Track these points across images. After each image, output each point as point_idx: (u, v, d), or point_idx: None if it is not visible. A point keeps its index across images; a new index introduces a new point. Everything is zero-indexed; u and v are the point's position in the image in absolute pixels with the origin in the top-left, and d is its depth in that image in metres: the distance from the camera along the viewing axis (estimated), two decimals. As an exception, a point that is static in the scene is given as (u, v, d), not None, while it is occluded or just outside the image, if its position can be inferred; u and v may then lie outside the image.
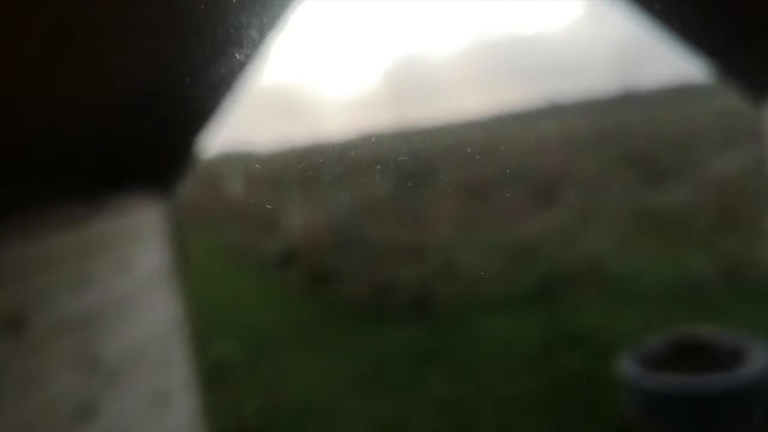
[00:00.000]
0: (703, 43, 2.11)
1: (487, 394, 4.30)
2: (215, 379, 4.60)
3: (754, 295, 5.17)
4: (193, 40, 1.87)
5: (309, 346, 5.54)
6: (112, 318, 2.33)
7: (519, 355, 4.83)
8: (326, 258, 6.94)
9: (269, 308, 6.60)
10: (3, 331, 1.75)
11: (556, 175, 7.50)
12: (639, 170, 7.46)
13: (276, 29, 1.70)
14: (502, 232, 7.11)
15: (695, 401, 3.23)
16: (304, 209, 7.76)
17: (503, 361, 4.78)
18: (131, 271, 2.51)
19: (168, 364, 2.74)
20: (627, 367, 3.45)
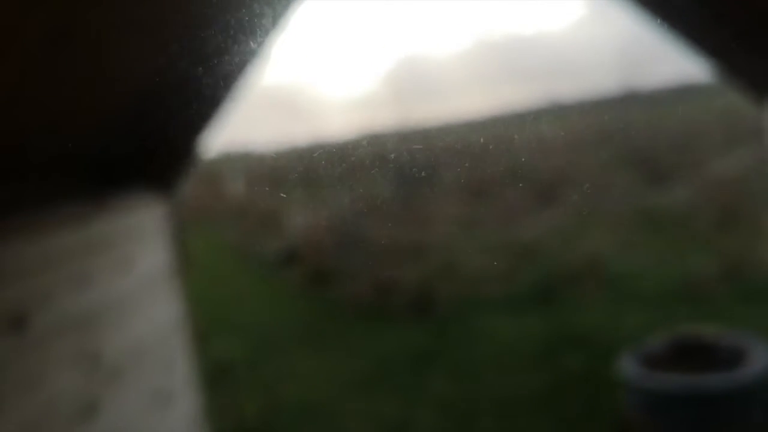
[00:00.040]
0: (705, 43, 2.10)
1: (488, 394, 4.30)
2: (216, 378, 4.61)
3: (756, 294, 5.16)
4: (194, 39, 1.87)
5: (310, 346, 5.54)
6: (113, 317, 2.33)
7: (520, 354, 4.83)
8: (327, 258, 6.94)
9: (270, 308, 6.61)
10: (4, 330, 1.75)
11: (558, 175, 7.49)
12: (641, 170, 7.45)
13: (277, 29, 1.70)
14: (503, 232, 7.11)
15: (696, 401, 3.23)
16: (305, 209, 7.76)
17: (504, 360, 4.78)
18: (132, 271, 2.51)
19: (169, 363, 2.74)
20: (628, 366, 3.45)
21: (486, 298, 5.92)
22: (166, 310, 2.78)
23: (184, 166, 2.77)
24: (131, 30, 1.71)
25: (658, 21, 2.06)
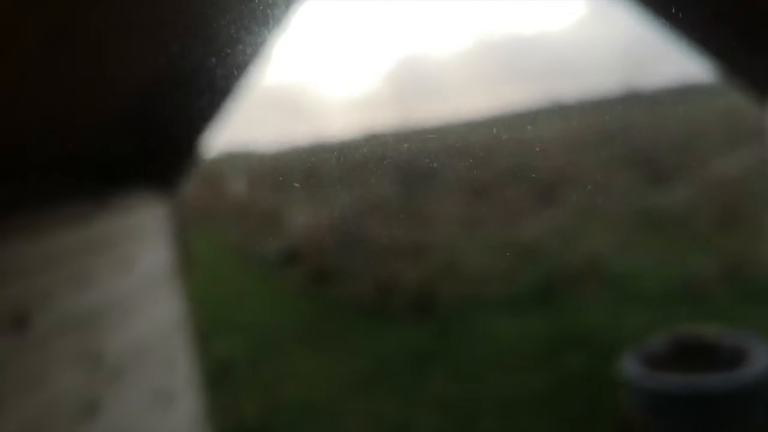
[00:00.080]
0: (707, 43, 2.10)
1: (489, 394, 4.30)
2: (217, 378, 4.61)
3: (757, 294, 5.16)
4: (195, 39, 1.87)
5: (311, 346, 5.54)
6: (114, 317, 2.33)
7: (521, 354, 4.83)
8: (328, 257, 6.95)
9: (271, 308, 6.61)
10: (5, 330, 1.75)
11: (559, 175, 7.49)
12: (642, 170, 7.45)
13: (279, 29, 1.70)
14: (504, 232, 7.11)
15: (697, 401, 3.23)
16: (306, 208, 7.77)
17: (505, 360, 4.78)
18: (133, 270, 2.51)
19: (170, 363, 2.74)
20: (629, 366, 3.45)
21: (487, 297, 5.92)
22: (167, 310, 2.78)
23: (186, 166, 2.77)
24: (132, 30, 1.71)
25: (660, 21, 2.05)
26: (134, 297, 2.51)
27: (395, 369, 4.91)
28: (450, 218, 7.23)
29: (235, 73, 2.03)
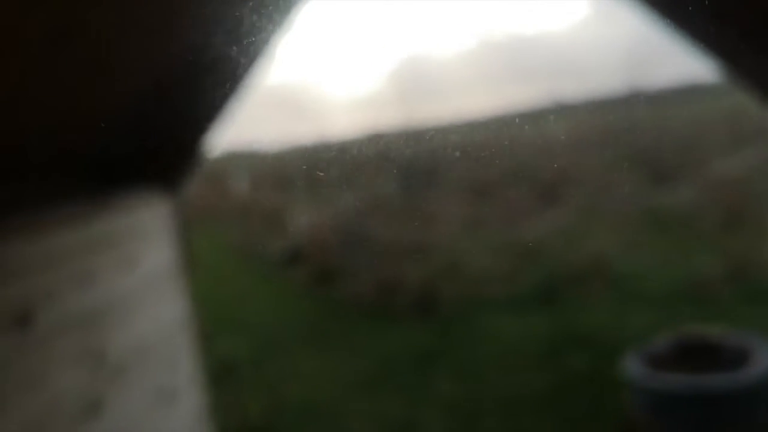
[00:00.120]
0: (712, 43, 2.10)
1: (492, 394, 4.30)
2: (220, 377, 4.61)
3: (760, 295, 5.15)
4: (198, 38, 1.87)
5: (314, 345, 5.55)
6: (117, 315, 2.33)
7: (524, 354, 4.83)
8: (331, 257, 6.95)
9: (275, 307, 6.62)
10: (8, 329, 1.76)
11: (562, 175, 7.48)
12: (645, 170, 7.44)
13: (282, 28, 1.71)
14: (507, 232, 7.10)
15: (701, 401, 3.23)
16: (309, 208, 7.77)
17: (508, 360, 4.78)
18: (137, 269, 2.52)
19: (173, 361, 2.74)
20: (632, 366, 3.45)
21: (490, 297, 5.91)
22: (170, 309, 2.79)
23: (189, 165, 2.78)
24: (134, 29, 1.71)
25: (664, 21, 2.05)
26: (137, 296, 2.51)
27: (398, 369, 4.92)
28: (453, 218, 7.23)
29: (238, 72, 2.03)
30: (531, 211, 7.32)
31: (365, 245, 6.66)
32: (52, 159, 2.06)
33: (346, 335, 5.72)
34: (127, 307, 2.42)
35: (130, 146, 2.34)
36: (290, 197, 8.04)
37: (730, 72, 2.27)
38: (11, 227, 1.82)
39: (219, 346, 5.27)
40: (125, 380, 2.30)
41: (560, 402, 4.10)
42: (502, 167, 7.14)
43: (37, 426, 1.84)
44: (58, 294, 2.00)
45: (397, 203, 7.04)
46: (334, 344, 5.54)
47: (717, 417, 3.21)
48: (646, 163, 7.42)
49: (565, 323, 5.21)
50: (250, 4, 1.20)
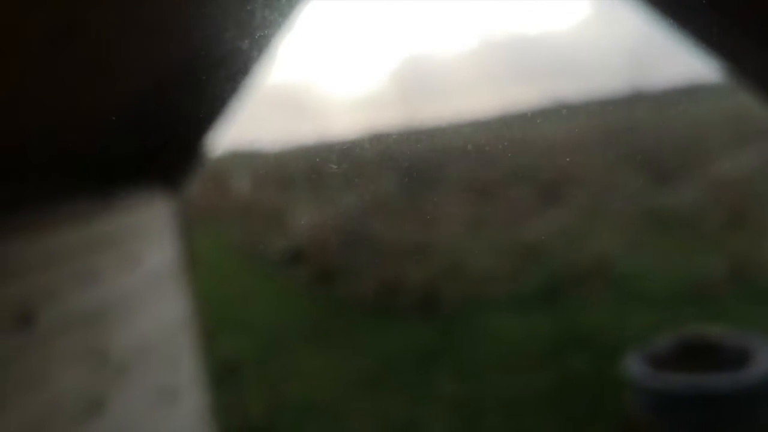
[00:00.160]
0: (715, 43, 2.09)
1: (494, 393, 4.30)
2: (222, 376, 4.62)
3: (762, 295, 5.14)
4: (200, 38, 1.87)
5: (316, 345, 5.55)
6: (119, 314, 2.34)
7: (526, 354, 4.83)
8: (333, 257, 6.95)
9: (276, 307, 6.62)
10: (11, 328, 1.76)
11: (564, 175, 7.48)
12: (647, 170, 7.43)
13: (284, 28, 1.71)
14: (509, 232, 7.10)
15: (702, 401, 3.22)
16: (311, 208, 7.78)
17: (510, 360, 4.78)
18: (139, 268, 2.52)
19: (176, 360, 2.75)
20: (634, 366, 3.45)
21: (491, 297, 5.91)
22: (172, 308, 2.79)
23: (191, 165, 2.78)
24: (136, 29, 1.72)
25: (666, 20, 2.05)
26: (139, 295, 2.51)
27: (400, 368, 4.92)
28: (455, 218, 7.23)
29: (240, 71, 2.03)
30: (533, 211, 7.32)
31: (367, 245, 6.67)
32: (54, 158, 2.06)
33: (348, 334, 5.72)
34: (128, 307, 2.42)
35: (132, 146, 2.34)
36: (292, 197, 8.05)
37: (733, 72, 2.27)
38: (13, 226, 1.83)
39: (221, 345, 5.28)
40: (127, 379, 2.30)
41: (562, 401, 4.10)
42: (504, 167, 7.13)
43: (39, 425, 1.85)
44: (60, 293, 2.01)
45: (398, 203, 7.04)
46: (336, 343, 5.54)
47: (718, 417, 3.21)
48: (647, 163, 7.42)
49: (567, 323, 5.21)
50: (252, 3, 1.20)
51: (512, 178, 7.54)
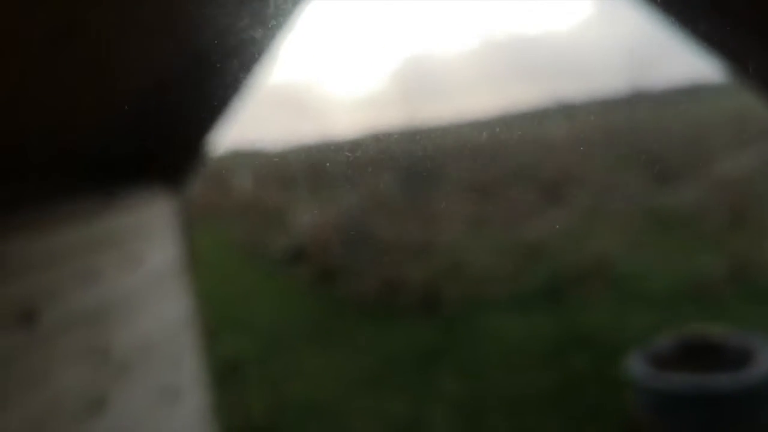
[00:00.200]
0: (716, 42, 2.09)
1: (496, 392, 4.31)
2: (224, 375, 4.62)
3: (763, 295, 5.14)
4: (202, 37, 1.88)
5: (318, 344, 5.55)
6: (121, 313, 2.34)
7: (527, 353, 4.83)
8: (334, 256, 6.96)
9: (277, 305, 6.62)
10: (13, 326, 1.77)
11: (565, 175, 7.48)
12: (648, 170, 7.43)
13: (285, 27, 1.71)
14: (510, 231, 7.10)
15: (704, 401, 3.22)
16: (312, 207, 7.78)
17: (512, 359, 4.78)
18: (141, 267, 2.53)
19: (177, 359, 2.75)
20: (635, 366, 3.45)
21: (493, 297, 5.92)
22: (174, 307, 2.79)
23: (193, 164, 2.78)
24: (137, 28, 1.72)
25: (669, 20, 2.05)
26: (141, 294, 2.52)
27: (402, 367, 4.92)
28: (456, 217, 7.23)
29: (242, 71, 2.03)
30: (534, 211, 7.32)
31: (368, 244, 6.67)
32: (55, 158, 2.06)
33: (349, 333, 5.72)
34: (130, 305, 2.43)
35: (134, 145, 2.35)
36: (293, 196, 8.05)
37: (735, 72, 2.27)
38: (15, 226, 1.83)
39: (222, 344, 5.28)
40: (129, 378, 2.31)
41: (563, 401, 4.10)
42: (505, 167, 7.14)
43: (41, 423, 1.85)
44: (62, 292, 2.01)
45: (400, 202, 7.05)
46: (337, 342, 5.54)
47: (720, 417, 3.21)
48: (649, 163, 7.42)
49: (568, 323, 5.21)
50: (254, 3, 1.20)
51: (513, 177, 7.54)
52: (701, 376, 3.30)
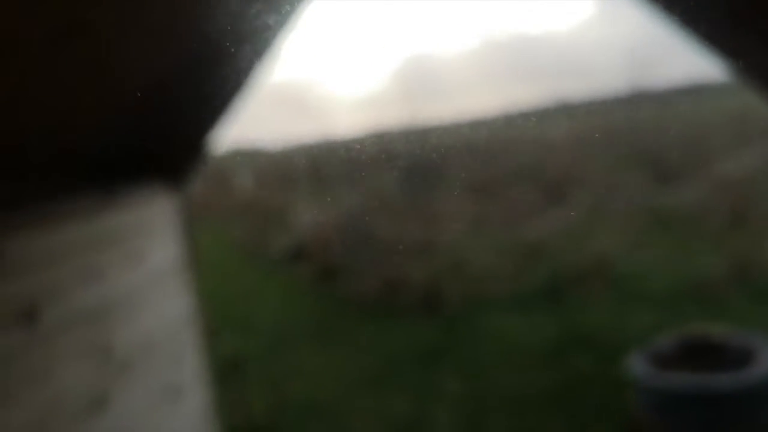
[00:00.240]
0: (718, 41, 2.09)
1: (497, 392, 4.31)
2: (225, 374, 4.63)
3: (765, 295, 5.14)
4: (203, 37, 1.88)
5: (319, 343, 5.56)
6: (123, 311, 2.35)
7: (528, 353, 4.83)
8: (335, 255, 6.96)
9: (278, 305, 6.63)
10: (14, 325, 1.77)
11: (566, 174, 7.48)
12: (649, 169, 7.43)
13: (287, 27, 1.71)
14: (511, 231, 7.11)
15: (705, 401, 3.22)
16: (313, 206, 7.79)
17: (513, 359, 4.78)
18: (142, 265, 2.53)
19: (179, 357, 2.76)
20: (636, 366, 3.45)
21: (494, 296, 5.92)
22: (176, 305, 2.80)
23: (194, 162, 2.79)
24: (138, 28, 1.72)
25: (670, 20, 2.05)
26: (143, 292, 2.52)
27: (403, 366, 4.92)
28: (456, 216, 7.24)
29: (243, 70, 2.04)
30: (535, 210, 7.32)
31: (369, 243, 6.67)
32: (56, 157, 2.07)
33: (350, 333, 5.73)
34: (132, 304, 2.43)
35: (135, 144, 2.35)
36: (294, 195, 8.06)
37: (737, 71, 2.27)
38: (16, 224, 1.83)
39: (223, 343, 5.28)
40: (130, 376, 2.31)
41: (564, 401, 4.10)
42: (506, 166, 7.14)
43: (42, 422, 1.86)
44: (63, 290, 2.01)
45: (401, 201, 7.05)
46: (338, 342, 5.55)
47: (721, 416, 3.21)
48: (650, 163, 7.41)
49: (569, 322, 5.21)
50: (255, 2, 1.20)
51: (514, 177, 7.54)
52: (702, 375, 3.30)
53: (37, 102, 1.72)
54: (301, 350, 5.45)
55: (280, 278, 7.32)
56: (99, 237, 2.26)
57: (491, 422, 3.96)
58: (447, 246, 6.84)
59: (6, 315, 1.74)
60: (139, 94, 2.12)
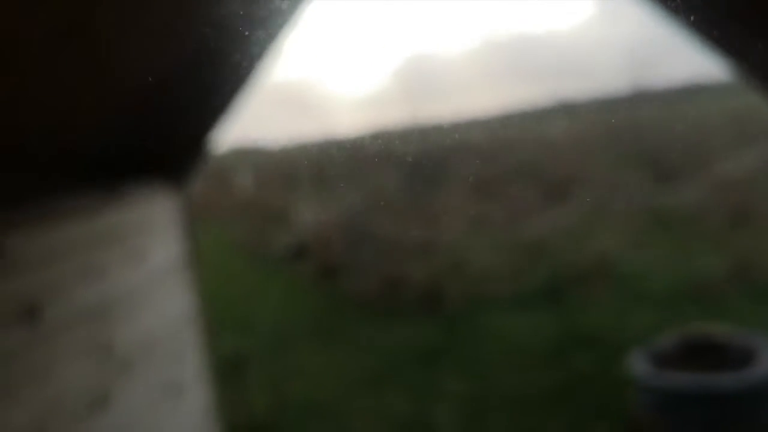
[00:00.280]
0: (720, 41, 2.09)
1: (498, 391, 4.31)
2: (226, 373, 4.63)
3: (765, 294, 5.14)
4: (204, 36, 1.88)
5: (320, 342, 5.56)
6: (124, 309, 2.35)
7: (529, 353, 4.83)
8: (336, 254, 6.96)
9: (279, 304, 6.63)
10: (15, 322, 1.78)
11: (567, 174, 7.47)
12: (650, 169, 7.42)
13: (288, 26, 1.72)
14: (512, 230, 7.10)
15: (706, 400, 3.23)
16: (314, 205, 7.79)
17: (514, 358, 4.79)
18: (144, 263, 2.53)
19: (180, 355, 2.76)
20: (637, 365, 3.45)
21: (495, 295, 5.92)
22: (177, 303, 2.80)
23: (196, 161, 2.79)
24: (139, 27, 1.73)
25: (671, 19, 2.05)
26: (144, 290, 2.53)
27: (404, 366, 4.93)
28: (457, 215, 7.24)
29: (244, 69, 2.04)
30: (535, 210, 7.32)
31: (370, 242, 6.67)
32: (59, 155, 2.07)
33: (351, 332, 5.73)
34: (133, 302, 2.43)
35: (136, 143, 2.35)
36: (295, 194, 8.06)
37: (739, 70, 2.27)
38: (18, 221, 1.84)
39: (224, 342, 5.29)
40: (132, 375, 2.31)
41: (566, 400, 4.10)
42: (507, 165, 7.13)
43: (44, 420, 1.86)
44: (65, 288, 2.02)
45: (401, 200, 7.04)
46: (339, 340, 5.55)
47: (722, 416, 3.21)
48: (650, 162, 7.41)
49: (570, 322, 5.21)
50: (255, 2, 1.21)
51: (515, 176, 7.54)
52: (703, 375, 3.31)
53: (38, 101, 1.72)
54: (301, 349, 5.45)
55: (280, 277, 7.32)
56: (100, 235, 2.27)
57: (492, 421, 3.96)
58: (448, 245, 6.83)
59: (7, 313, 1.75)
60: (139, 94, 2.12)
